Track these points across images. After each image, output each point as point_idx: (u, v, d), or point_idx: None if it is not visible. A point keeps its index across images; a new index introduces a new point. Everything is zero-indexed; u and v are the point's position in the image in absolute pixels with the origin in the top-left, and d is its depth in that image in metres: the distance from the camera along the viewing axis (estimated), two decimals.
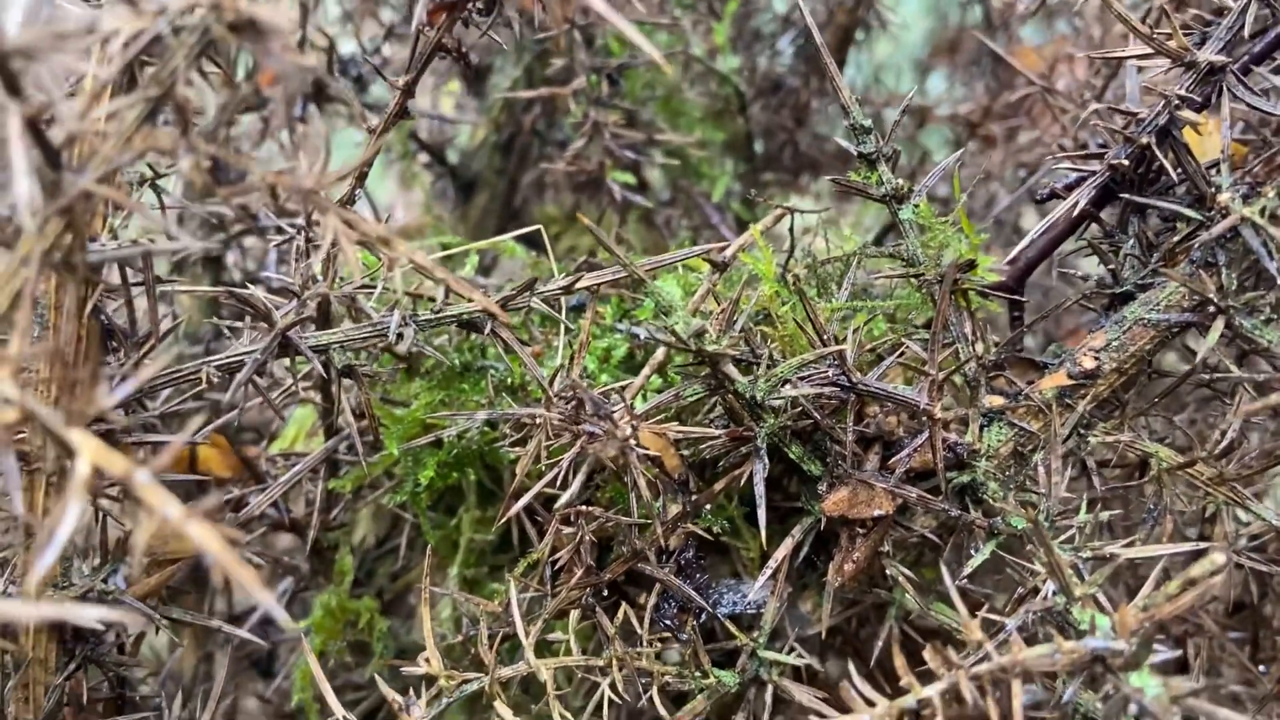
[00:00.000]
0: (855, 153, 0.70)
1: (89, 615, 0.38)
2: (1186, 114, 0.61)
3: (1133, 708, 0.50)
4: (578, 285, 0.64)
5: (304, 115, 0.91)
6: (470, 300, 0.58)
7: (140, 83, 0.45)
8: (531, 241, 1.24)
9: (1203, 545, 0.59)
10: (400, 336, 0.62)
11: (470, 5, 0.59)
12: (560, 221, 1.26)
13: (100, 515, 0.63)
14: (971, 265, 0.68)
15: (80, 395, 0.41)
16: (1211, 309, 0.58)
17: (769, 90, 1.26)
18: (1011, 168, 1.26)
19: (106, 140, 0.43)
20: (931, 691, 0.53)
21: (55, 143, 0.42)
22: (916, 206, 0.70)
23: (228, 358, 0.61)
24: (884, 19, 1.26)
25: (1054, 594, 0.57)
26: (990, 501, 0.66)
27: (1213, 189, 0.58)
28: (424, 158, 1.21)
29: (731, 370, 0.63)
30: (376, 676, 0.64)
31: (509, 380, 0.75)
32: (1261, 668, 0.89)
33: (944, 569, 0.55)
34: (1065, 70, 1.00)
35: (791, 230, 0.75)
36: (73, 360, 0.50)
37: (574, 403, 0.63)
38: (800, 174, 1.29)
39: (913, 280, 0.70)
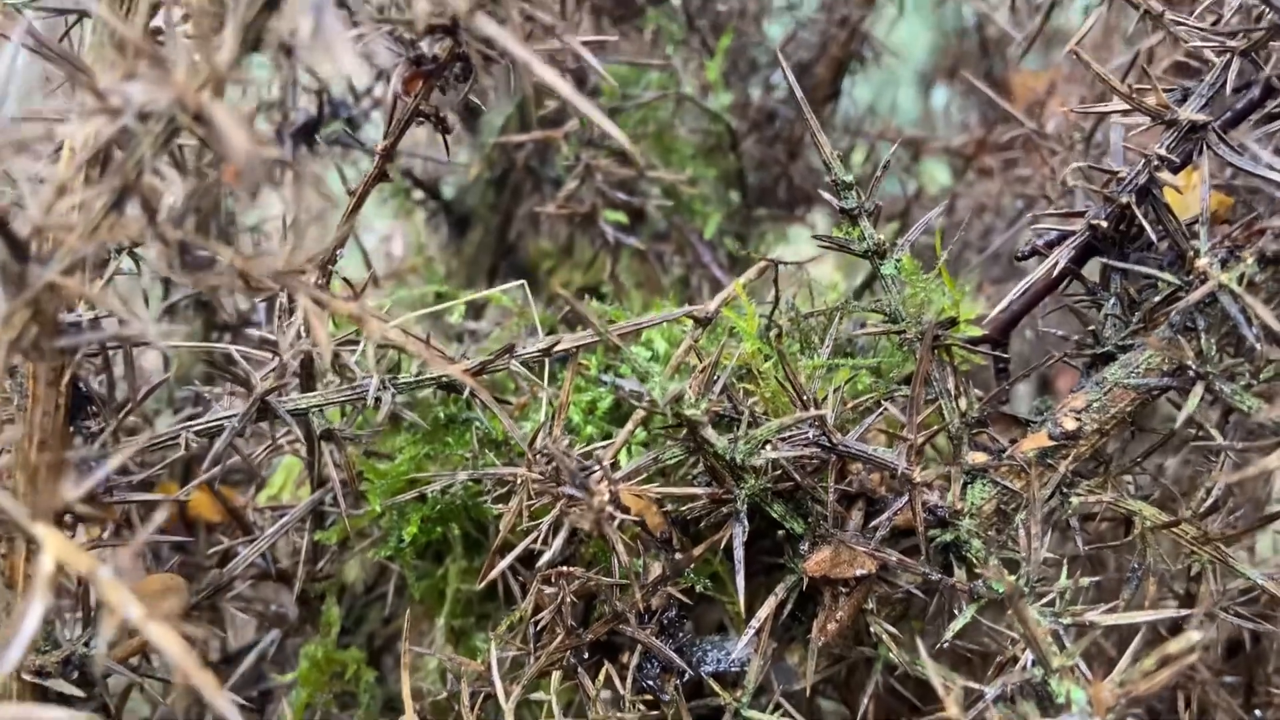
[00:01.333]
0: (837, 208, 0.70)
1: (46, 717, 0.38)
2: (1166, 176, 0.60)
3: None
4: (555, 349, 0.64)
5: (293, 161, 0.91)
6: (444, 371, 0.58)
7: (109, 169, 0.45)
8: (526, 278, 1.24)
9: (1184, 613, 0.59)
10: (379, 401, 0.62)
11: (446, 74, 0.59)
12: (555, 256, 1.26)
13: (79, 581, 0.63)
14: (953, 323, 0.68)
15: (46, 486, 0.41)
16: (1191, 375, 0.58)
17: (763, 123, 1.26)
18: (1009, 197, 1.26)
19: (73, 231, 0.43)
20: None
21: (21, 236, 0.43)
22: (898, 261, 0.70)
23: (206, 423, 0.61)
24: (877, 50, 1.26)
25: (1032, 665, 0.56)
26: (973, 560, 0.66)
27: (1193, 252, 0.58)
28: (419, 194, 1.22)
29: (710, 434, 0.63)
30: None
31: (492, 435, 0.75)
32: (1257, 712, 0.89)
33: (919, 641, 0.54)
34: (1057, 107, 1.00)
35: (776, 283, 0.75)
36: (47, 440, 0.50)
37: (552, 465, 0.63)
38: (795, 206, 1.29)
39: (894, 337, 0.70)
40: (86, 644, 0.64)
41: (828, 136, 1.31)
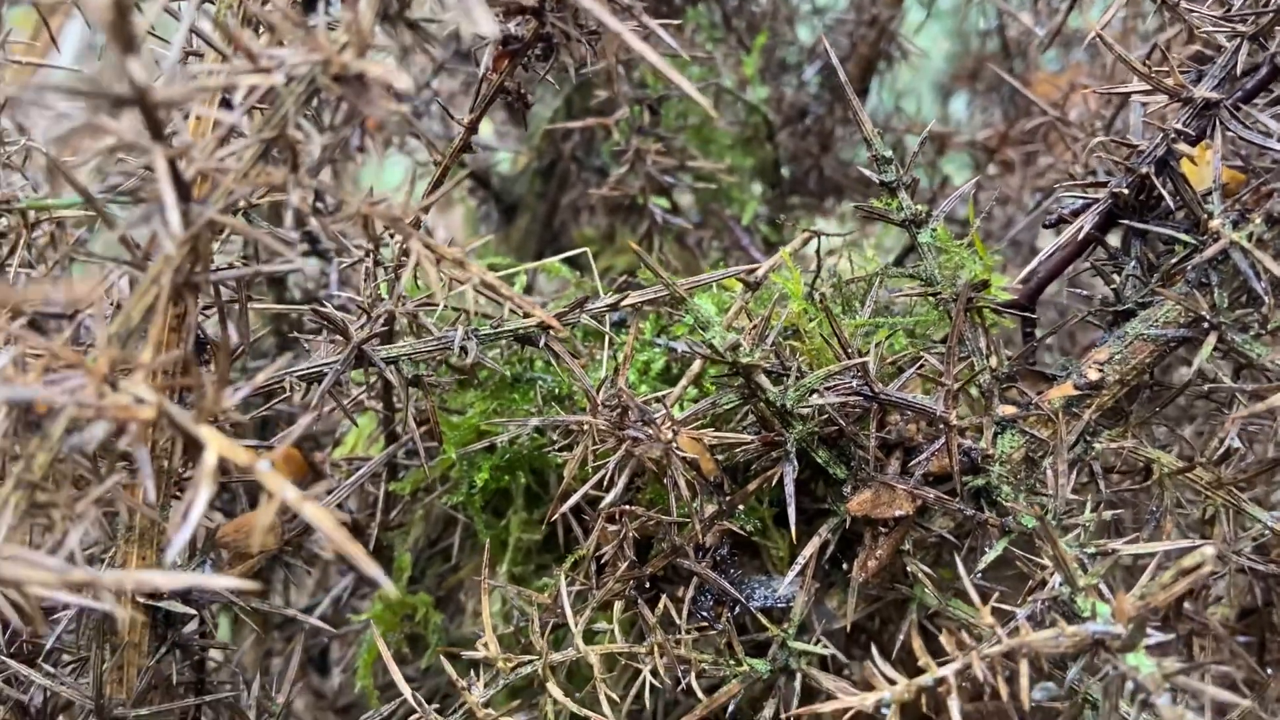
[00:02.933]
0: (877, 181, 0.76)
1: (218, 584, 0.45)
2: (1182, 147, 0.66)
3: (1129, 685, 0.55)
4: (623, 303, 0.70)
5: (362, 145, 0.98)
6: (530, 316, 0.64)
7: (259, 123, 0.51)
8: (572, 262, 1.30)
9: (1198, 543, 0.65)
10: (464, 351, 0.68)
11: (530, 52, 0.65)
12: (598, 242, 1.33)
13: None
14: (985, 285, 0.74)
15: (206, 397, 0.48)
16: (1205, 325, 0.64)
17: (795, 118, 1.32)
18: (1029, 190, 1.32)
19: (228, 176, 0.50)
20: (947, 671, 0.59)
21: (186, 179, 0.49)
22: (934, 230, 0.76)
23: (309, 368, 0.68)
24: (905, 49, 1.32)
25: (1060, 585, 0.62)
26: (1003, 503, 0.72)
27: (1206, 215, 0.64)
28: (468, 182, 1.29)
29: (763, 380, 0.69)
30: (442, 658, 0.70)
31: (556, 391, 0.81)
32: (1269, 671, 0.94)
33: (959, 564, 0.60)
34: (1079, 99, 1.06)
35: (818, 252, 0.81)
36: (188, 368, 0.56)
37: (619, 410, 0.69)
38: (825, 197, 1.35)
39: (931, 299, 0.76)
40: (197, 569, 0.71)
41: (856, 131, 1.37)
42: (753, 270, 0.75)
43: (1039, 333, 0.78)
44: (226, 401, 0.48)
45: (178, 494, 0.73)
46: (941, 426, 0.70)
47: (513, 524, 0.89)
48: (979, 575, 0.71)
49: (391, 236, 0.66)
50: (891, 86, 1.42)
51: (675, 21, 0.68)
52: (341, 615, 0.98)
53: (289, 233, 0.53)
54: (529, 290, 1.18)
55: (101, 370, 0.47)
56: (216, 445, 0.47)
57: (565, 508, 0.74)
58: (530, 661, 0.71)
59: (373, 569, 0.43)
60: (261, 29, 0.51)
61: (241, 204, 0.67)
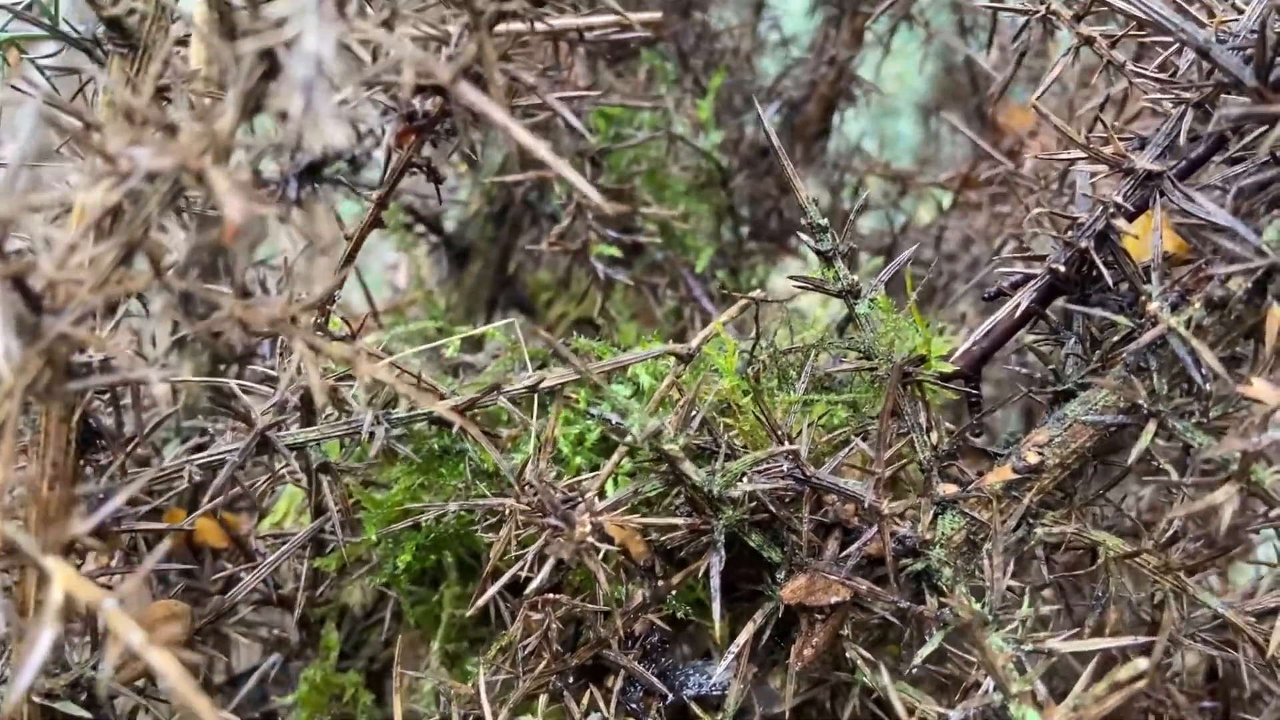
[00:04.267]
0: (814, 250, 0.73)
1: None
2: (1121, 223, 0.63)
3: None
4: (541, 385, 0.67)
5: (300, 198, 0.95)
6: (434, 408, 0.61)
7: (117, 227, 0.48)
8: (525, 309, 1.27)
9: (1140, 641, 0.62)
10: (372, 435, 0.65)
11: (437, 128, 0.62)
12: (553, 287, 1.30)
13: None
14: (922, 360, 0.71)
15: (57, 521, 0.45)
16: (1144, 413, 0.60)
17: (754, 158, 1.29)
18: (996, 230, 1.29)
19: (83, 285, 0.47)
20: None
21: (36, 290, 0.46)
22: (872, 300, 0.73)
23: (208, 457, 0.65)
24: (866, 89, 1.30)
25: (993, 689, 0.59)
26: (944, 588, 0.68)
27: (1145, 297, 0.61)
28: (420, 228, 1.26)
29: (688, 468, 0.66)
30: None
31: (483, 466, 0.78)
32: None
33: (881, 668, 0.57)
34: (1033, 149, 1.03)
35: (757, 320, 0.78)
36: (59, 475, 0.53)
37: (539, 497, 0.66)
38: (786, 239, 1.32)
39: (868, 373, 0.73)
40: (94, 667, 0.67)
41: (818, 172, 1.35)
42: (684, 346, 0.72)
43: (984, 405, 0.75)
44: (76, 527, 0.45)
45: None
46: (873, 514, 0.66)
47: (446, 598, 0.85)
48: (918, 667, 0.68)
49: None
50: (869, 110, 1.39)
51: (592, 93, 0.65)
52: (277, 688, 0.95)
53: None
54: (478, 344, 1.15)
55: None
56: (62, 580, 0.44)
57: (491, 593, 0.71)
58: None
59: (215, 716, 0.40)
60: (123, 121, 0.48)
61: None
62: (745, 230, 1.25)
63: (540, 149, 0.49)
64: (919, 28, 1.23)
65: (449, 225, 1.29)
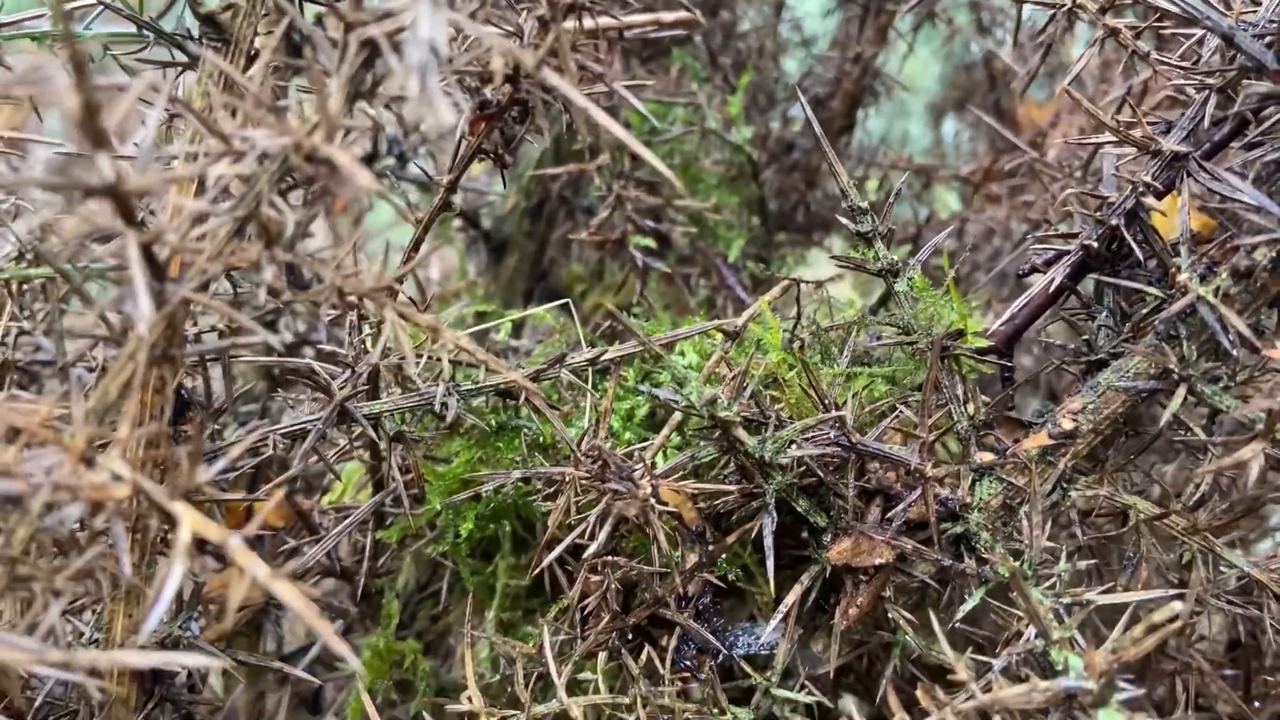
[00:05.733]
0: (853, 231, 0.77)
1: (185, 661, 0.46)
2: (1150, 201, 0.67)
3: None
4: (602, 358, 0.71)
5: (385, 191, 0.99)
6: (503, 378, 0.65)
7: (233, 202, 0.52)
8: (560, 300, 1.31)
9: (1172, 592, 0.65)
10: (445, 406, 0.69)
11: (507, 115, 0.66)
12: (586, 279, 1.34)
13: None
14: (960, 334, 0.75)
15: (181, 472, 0.49)
16: (1174, 378, 0.64)
17: (781, 153, 1.33)
18: (1016, 222, 1.33)
19: (203, 255, 0.51)
20: None
21: (160, 259, 0.50)
22: (910, 279, 0.77)
23: (292, 426, 0.69)
24: (889, 85, 1.34)
25: (1034, 638, 0.62)
26: (982, 550, 0.72)
27: (1174, 268, 0.65)
28: (458, 222, 1.30)
29: (741, 434, 0.70)
30: (423, 713, 0.70)
31: (541, 439, 0.82)
32: (1257, 704, 0.94)
33: (933, 618, 0.61)
34: (1058, 137, 1.07)
35: (798, 300, 0.82)
36: (167, 438, 0.57)
37: (599, 463, 0.70)
38: (813, 232, 1.36)
39: (907, 348, 0.77)
40: (181, 626, 0.72)
41: (843, 166, 1.39)
42: (731, 322, 0.76)
43: (1017, 378, 0.79)
44: (201, 476, 0.49)
45: (164, 551, 0.74)
46: (918, 477, 0.70)
47: (500, 569, 0.89)
48: (959, 624, 0.71)
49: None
50: (882, 112, 1.43)
51: (647, 81, 0.69)
52: (333, 658, 0.98)
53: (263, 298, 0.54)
54: (518, 330, 1.19)
55: (78, 448, 0.48)
56: (190, 522, 0.48)
57: (550, 558, 0.75)
58: (513, 715, 0.72)
59: (339, 645, 0.44)
60: (235, 112, 0.53)
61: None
62: (773, 222, 1.29)
63: (617, 129, 0.53)
64: (942, 24, 1.27)
65: (485, 221, 1.34)
